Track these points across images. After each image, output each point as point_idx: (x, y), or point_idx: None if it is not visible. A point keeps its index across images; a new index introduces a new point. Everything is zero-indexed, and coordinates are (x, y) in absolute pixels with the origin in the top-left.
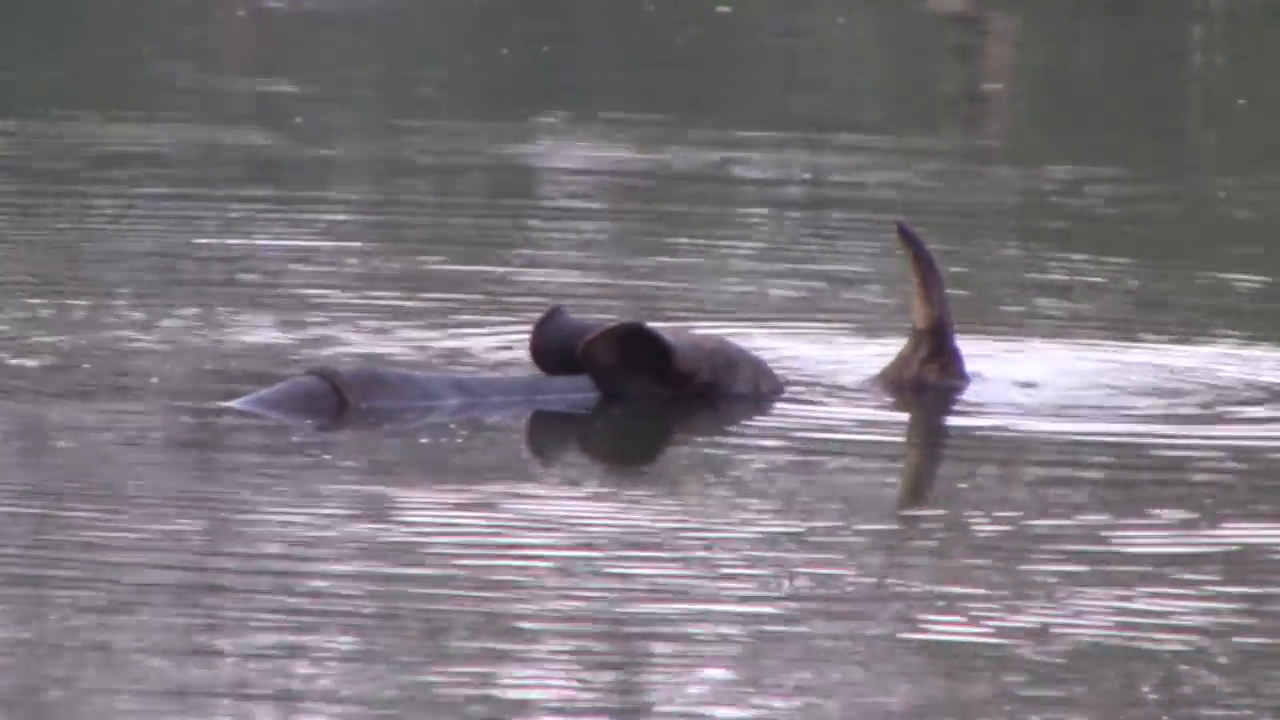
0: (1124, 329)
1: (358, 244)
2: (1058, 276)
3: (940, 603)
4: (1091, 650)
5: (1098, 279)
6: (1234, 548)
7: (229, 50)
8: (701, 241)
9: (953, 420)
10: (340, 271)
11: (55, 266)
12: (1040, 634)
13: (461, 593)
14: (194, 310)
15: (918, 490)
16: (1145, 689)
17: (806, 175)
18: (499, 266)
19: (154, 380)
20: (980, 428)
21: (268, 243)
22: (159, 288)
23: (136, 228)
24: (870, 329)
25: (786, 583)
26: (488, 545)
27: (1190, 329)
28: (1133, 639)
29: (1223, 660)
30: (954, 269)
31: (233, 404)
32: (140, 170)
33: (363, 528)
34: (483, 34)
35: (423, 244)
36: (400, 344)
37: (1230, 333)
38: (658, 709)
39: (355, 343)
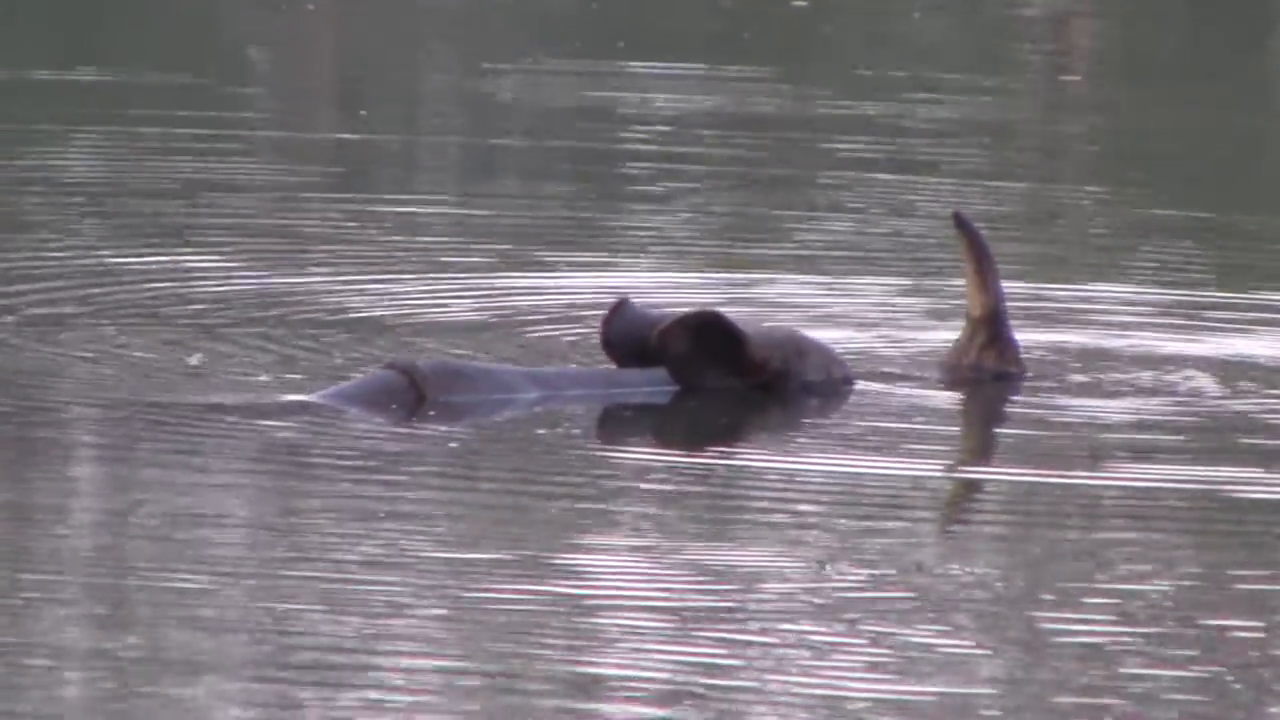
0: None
1: (450, 196)
2: (1138, 227)
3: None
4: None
5: (1178, 231)
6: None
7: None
8: (789, 196)
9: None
10: (435, 224)
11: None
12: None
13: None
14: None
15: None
16: None
17: (890, 135)
18: (594, 214)
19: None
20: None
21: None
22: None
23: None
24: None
25: (827, 567)
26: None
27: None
28: None
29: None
30: (1038, 216)
31: (310, 397)
32: (228, 116)
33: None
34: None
35: (518, 192)
36: (496, 298)
37: None
38: None
39: (450, 298)
